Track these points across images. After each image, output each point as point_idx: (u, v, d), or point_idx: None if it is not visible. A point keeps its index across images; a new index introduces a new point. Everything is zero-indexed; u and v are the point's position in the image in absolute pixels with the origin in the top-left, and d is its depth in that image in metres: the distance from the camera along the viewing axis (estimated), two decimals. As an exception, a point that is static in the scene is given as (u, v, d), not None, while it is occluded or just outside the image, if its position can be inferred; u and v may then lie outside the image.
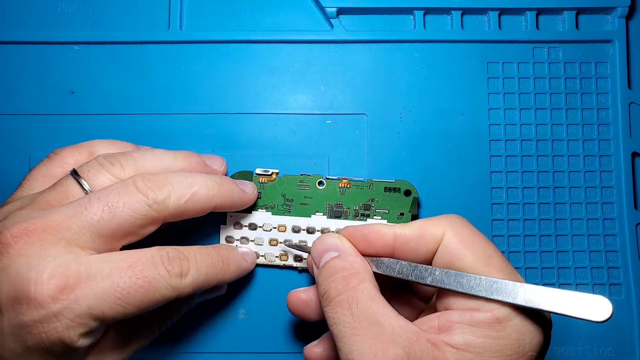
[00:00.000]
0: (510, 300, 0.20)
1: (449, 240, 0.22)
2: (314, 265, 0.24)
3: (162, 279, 0.22)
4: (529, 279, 0.30)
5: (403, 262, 0.23)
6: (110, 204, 0.22)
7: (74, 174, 0.24)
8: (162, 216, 0.23)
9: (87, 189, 0.23)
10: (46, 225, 0.21)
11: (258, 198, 0.29)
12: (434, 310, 0.24)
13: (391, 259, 0.23)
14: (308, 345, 0.27)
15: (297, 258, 0.29)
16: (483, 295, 0.20)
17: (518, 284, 0.20)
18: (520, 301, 0.20)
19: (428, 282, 0.22)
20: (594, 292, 0.30)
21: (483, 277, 0.20)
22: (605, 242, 0.30)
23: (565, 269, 0.30)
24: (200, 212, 0.25)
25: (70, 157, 0.26)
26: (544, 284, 0.30)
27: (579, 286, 0.30)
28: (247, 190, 0.28)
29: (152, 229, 0.24)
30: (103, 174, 0.24)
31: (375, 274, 0.23)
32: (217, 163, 0.29)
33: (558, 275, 0.30)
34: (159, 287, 0.22)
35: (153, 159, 0.25)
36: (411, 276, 0.22)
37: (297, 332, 0.30)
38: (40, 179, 0.25)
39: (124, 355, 0.24)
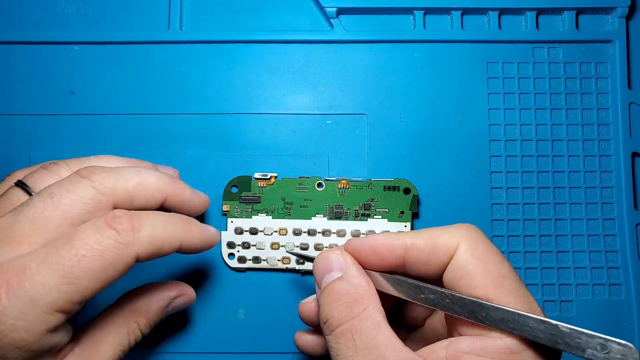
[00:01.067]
0: (525, 335, 0.18)
1: (462, 253, 0.20)
2: (316, 284, 0.22)
3: (110, 238, 0.20)
4: (528, 279, 0.30)
5: (410, 281, 0.21)
6: (51, 193, 0.21)
7: (20, 183, 0.23)
8: (111, 200, 0.22)
9: (30, 191, 0.22)
10: None
11: (257, 202, 0.29)
12: (433, 328, 0.23)
13: (399, 277, 0.21)
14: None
15: (300, 261, 0.29)
16: (494, 326, 0.19)
17: (535, 318, 0.18)
18: (539, 339, 0.18)
19: (440, 307, 0.20)
20: (593, 292, 0.30)
21: (496, 305, 0.19)
22: (605, 242, 0.30)
23: (565, 269, 0.30)
24: (150, 200, 0.23)
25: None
26: (544, 285, 0.30)
27: (578, 286, 0.30)
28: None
29: (102, 213, 0.22)
30: (48, 175, 0.23)
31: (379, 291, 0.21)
32: (170, 172, 0.27)
33: (558, 275, 0.30)
34: (107, 247, 0.20)
35: (102, 161, 0.24)
36: (417, 299, 0.20)
37: (297, 332, 0.30)
38: None
39: None
